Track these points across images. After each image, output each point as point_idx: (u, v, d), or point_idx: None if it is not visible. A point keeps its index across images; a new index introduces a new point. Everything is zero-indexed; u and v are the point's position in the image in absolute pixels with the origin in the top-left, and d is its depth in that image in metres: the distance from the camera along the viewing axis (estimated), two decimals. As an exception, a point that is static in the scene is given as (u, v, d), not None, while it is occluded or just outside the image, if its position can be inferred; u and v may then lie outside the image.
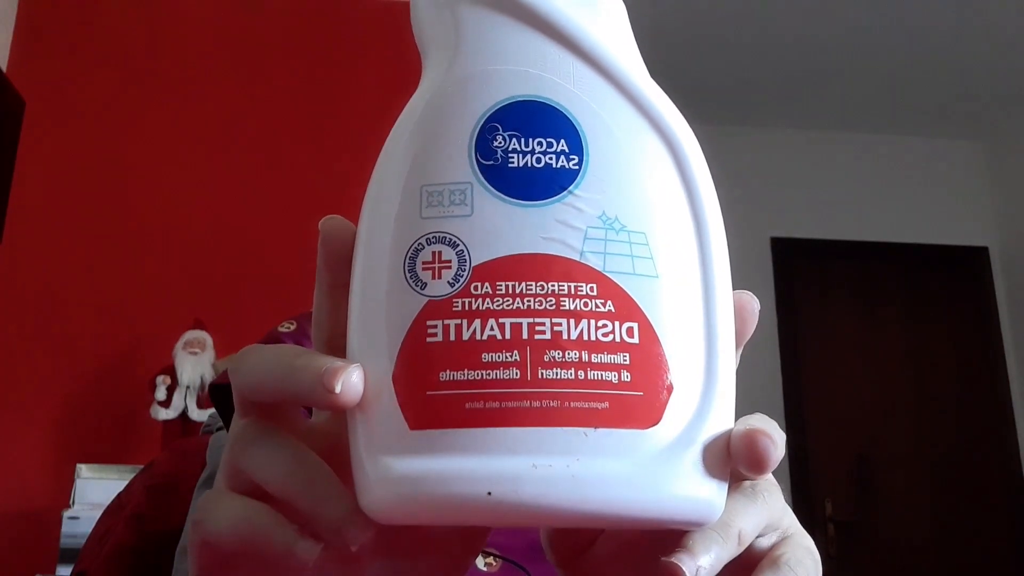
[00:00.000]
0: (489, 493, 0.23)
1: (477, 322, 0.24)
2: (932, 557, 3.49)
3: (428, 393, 0.24)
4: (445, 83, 0.27)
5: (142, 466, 0.96)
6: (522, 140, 0.26)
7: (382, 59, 2.79)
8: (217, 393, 0.70)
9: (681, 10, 3.06)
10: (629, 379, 0.24)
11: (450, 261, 0.25)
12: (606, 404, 0.24)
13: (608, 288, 0.25)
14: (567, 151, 0.26)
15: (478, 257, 0.25)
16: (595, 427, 0.23)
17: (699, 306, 0.26)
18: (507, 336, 0.24)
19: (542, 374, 0.24)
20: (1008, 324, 3.80)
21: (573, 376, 0.24)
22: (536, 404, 0.23)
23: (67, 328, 2.41)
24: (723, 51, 3.35)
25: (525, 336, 0.24)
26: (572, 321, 0.24)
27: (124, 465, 2.13)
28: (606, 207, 0.25)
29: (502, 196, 0.25)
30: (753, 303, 0.28)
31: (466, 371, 0.24)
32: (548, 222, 0.25)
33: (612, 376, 0.24)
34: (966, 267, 3.90)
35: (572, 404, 0.23)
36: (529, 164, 0.25)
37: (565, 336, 0.24)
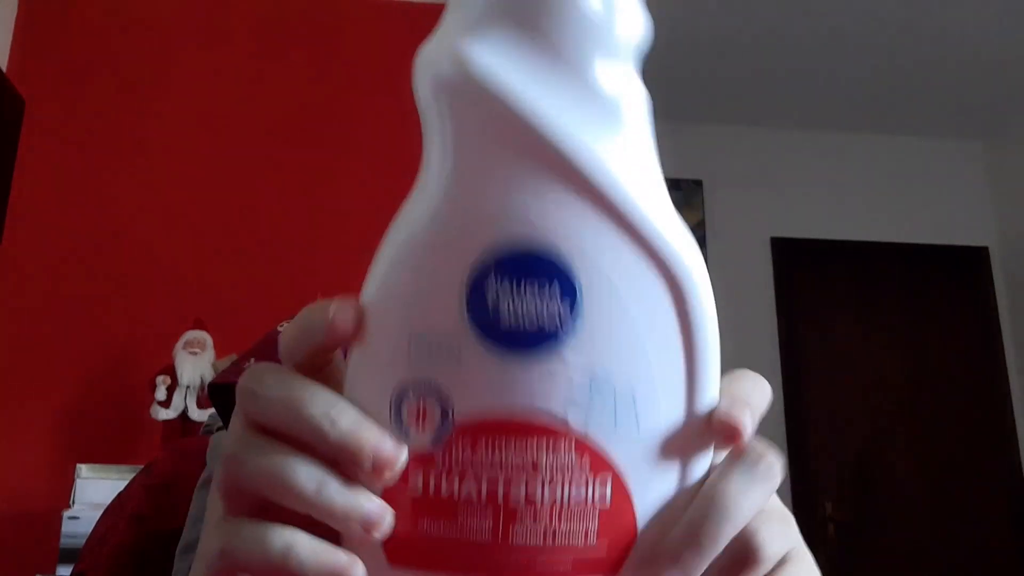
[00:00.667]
0: None
1: (456, 479, 0.25)
2: (932, 557, 3.49)
3: (407, 536, 0.25)
4: (439, 217, 0.25)
5: (142, 466, 0.96)
6: (515, 291, 0.24)
7: (382, 59, 2.79)
8: (217, 393, 0.70)
9: (682, 10, 3.06)
10: (595, 542, 0.25)
11: (435, 413, 0.25)
12: (569, 565, 0.25)
13: (587, 449, 0.25)
14: (561, 304, 0.24)
15: (462, 411, 0.25)
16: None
17: (678, 462, 0.26)
18: (483, 497, 0.25)
19: (512, 538, 0.25)
20: (1008, 324, 3.80)
21: (541, 542, 0.25)
22: (504, 562, 0.25)
23: (67, 328, 2.41)
24: (724, 51, 3.35)
25: (500, 499, 0.25)
26: (547, 485, 0.25)
27: (124, 465, 2.13)
28: (596, 364, 0.25)
29: (491, 349, 0.24)
30: (741, 419, 0.26)
31: (442, 524, 0.25)
32: (535, 378, 0.24)
33: (579, 540, 0.25)
34: (966, 267, 3.90)
35: (537, 566, 0.25)
36: (520, 317, 0.24)
37: (538, 501, 0.25)
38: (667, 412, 0.26)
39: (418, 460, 0.25)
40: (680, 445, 0.26)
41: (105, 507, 0.93)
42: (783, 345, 3.65)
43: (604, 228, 0.25)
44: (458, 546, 0.25)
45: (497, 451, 0.25)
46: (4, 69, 2.52)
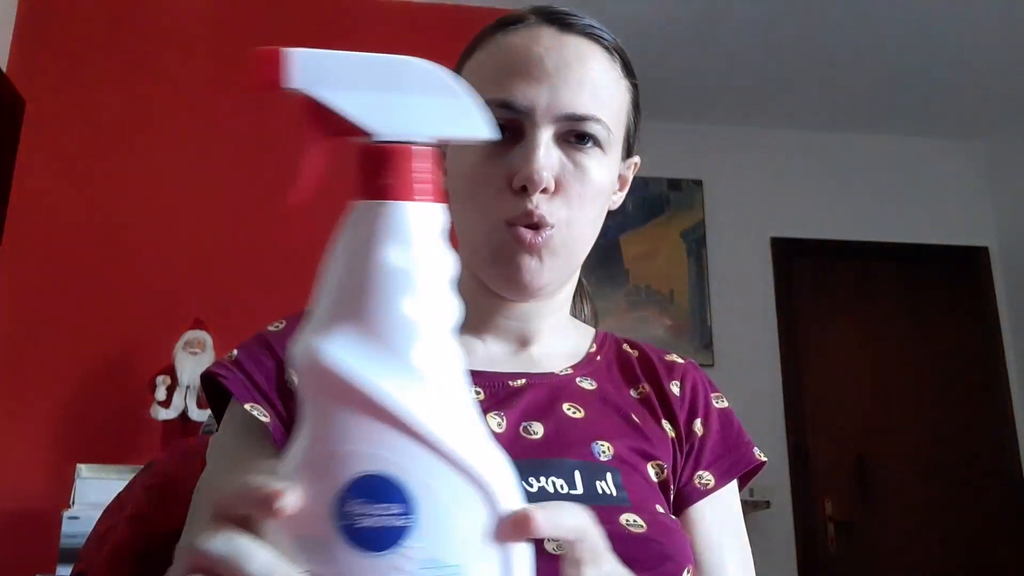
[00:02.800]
0: None
1: None
2: (932, 557, 3.49)
3: None
4: (310, 456, 0.36)
5: (142, 466, 0.96)
6: (368, 506, 0.34)
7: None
8: (209, 383, 0.70)
9: (682, 10, 3.06)
10: None
11: None
12: None
13: None
14: (402, 513, 0.34)
15: None
16: None
17: None
18: None
19: None
20: (1008, 324, 3.80)
21: None
22: None
23: (67, 328, 2.41)
24: (724, 52, 3.35)
25: None
26: None
27: (124, 465, 2.13)
28: (430, 552, 0.34)
29: (356, 548, 0.34)
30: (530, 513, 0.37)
31: None
32: (388, 568, 0.34)
33: None
34: (966, 267, 3.90)
35: None
36: (373, 524, 0.34)
37: None
38: (490, 570, 0.36)
39: None
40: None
41: (105, 507, 0.93)
42: (783, 345, 3.65)
43: (424, 455, 0.35)
44: None
45: None
46: (4, 69, 2.52)
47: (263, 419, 0.64)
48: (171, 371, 2.36)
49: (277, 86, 0.35)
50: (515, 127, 0.67)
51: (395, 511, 0.34)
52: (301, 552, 0.34)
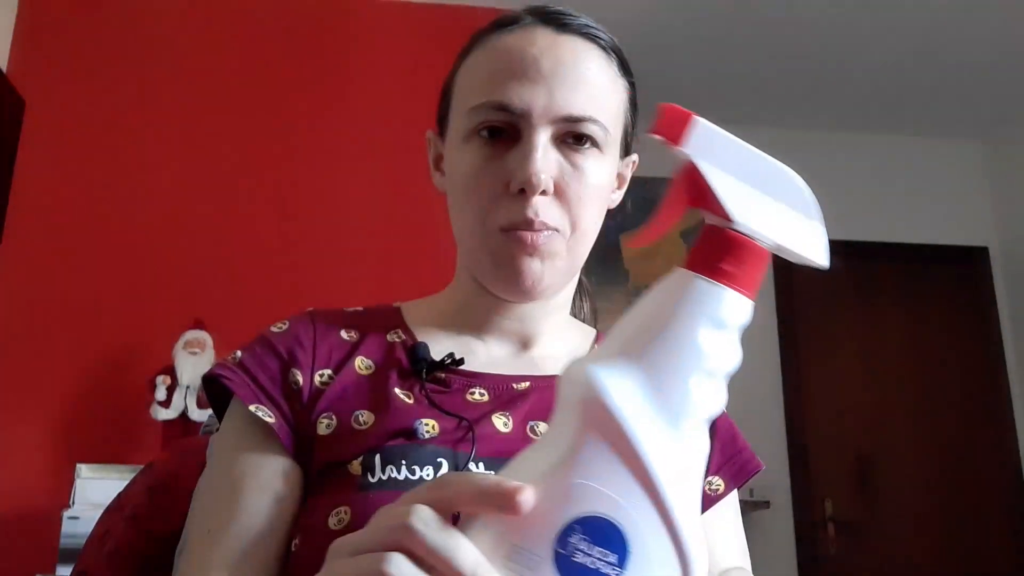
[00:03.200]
0: None
1: None
2: (932, 557, 3.49)
3: None
4: (557, 477, 0.37)
5: (142, 466, 0.96)
6: (589, 545, 0.36)
7: (382, 60, 2.79)
8: (210, 388, 0.70)
9: (682, 10, 3.06)
10: None
11: None
12: None
13: None
14: (615, 564, 0.36)
15: None
16: None
17: None
18: None
19: None
20: (1008, 324, 3.80)
21: None
22: None
23: (67, 328, 2.41)
24: (723, 51, 3.35)
25: None
26: None
27: (124, 465, 2.13)
28: None
29: None
30: None
31: None
32: None
33: None
34: (966, 267, 3.90)
35: None
36: (586, 564, 0.36)
37: None
38: None
39: None
40: None
41: (105, 507, 0.93)
42: (783, 345, 3.65)
43: (656, 521, 0.36)
44: None
45: None
46: (4, 69, 2.52)
47: (268, 420, 0.64)
48: (171, 371, 2.37)
49: (675, 143, 0.38)
50: (512, 129, 0.67)
51: (610, 560, 0.36)
52: (509, 561, 0.36)
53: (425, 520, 0.37)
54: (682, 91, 3.53)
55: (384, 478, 0.60)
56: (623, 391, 0.37)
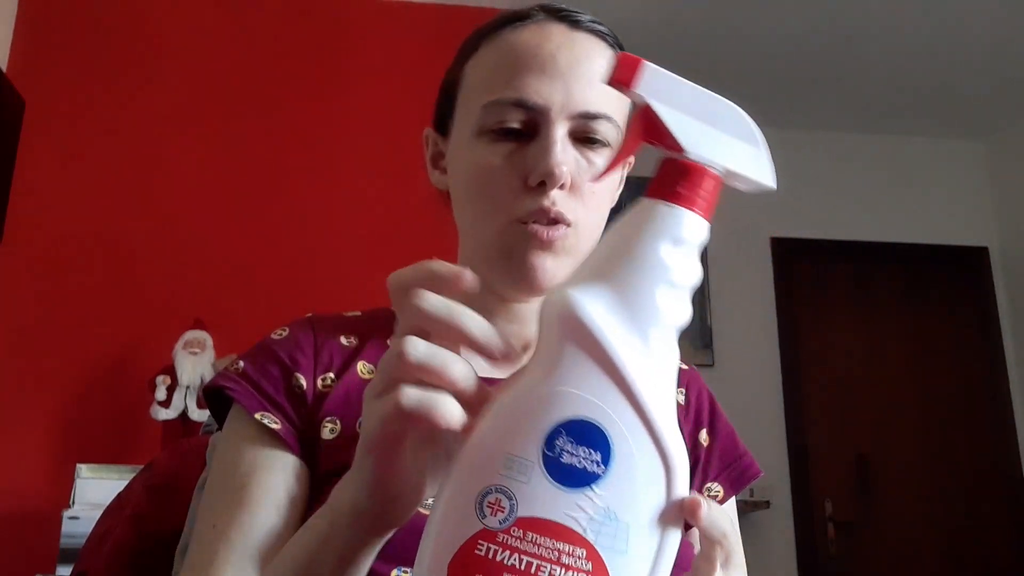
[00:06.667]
0: None
1: (507, 552, 0.38)
2: (932, 557, 3.49)
3: None
4: (541, 388, 0.40)
5: (142, 466, 0.96)
6: (574, 446, 0.39)
7: (382, 60, 2.79)
8: (211, 396, 0.70)
9: (682, 9, 3.06)
10: None
11: (505, 508, 0.39)
12: None
13: (593, 555, 0.39)
14: (599, 461, 0.39)
15: (523, 511, 0.39)
16: None
17: (647, 573, 0.40)
18: (521, 567, 0.38)
19: None
20: (1008, 324, 3.80)
21: None
22: None
23: (67, 328, 2.41)
24: (723, 51, 3.35)
25: (532, 571, 0.38)
26: (562, 570, 0.38)
27: (124, 465, 2.13)
28: (610, 503, 0.39)
29: (550, 478, 0.39)
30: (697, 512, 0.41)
31: None
32: (571, 504, 0.39)
33: None
34: (966, 267, 3.90)
35: None
36: (573, 463, 0.39)
37: (563, 565, 0.38)
38: (648, 542, 0.40)
39: (487, 534, 0.39)
40: (651, 562, 0.40)
41: (105, 507, 0.93)
42: (783, 345, 3.65)
43: (634, 419, 0.40)
44: None
45: (538, 541, 0.38)
46: (4, 69, 2.52)
47: (274, 427, 0.64)
48: (171, 371, 2.37)
49: (628, 87, 0.42)
50: (528, 125, 0.66)
51: (595, 458, 0.39)
52: (504, 469, 0.39)
53: (414, 344, 0.41)
54: (682, 91, 3.53)
55: None
56: (596, 305, 0.40)
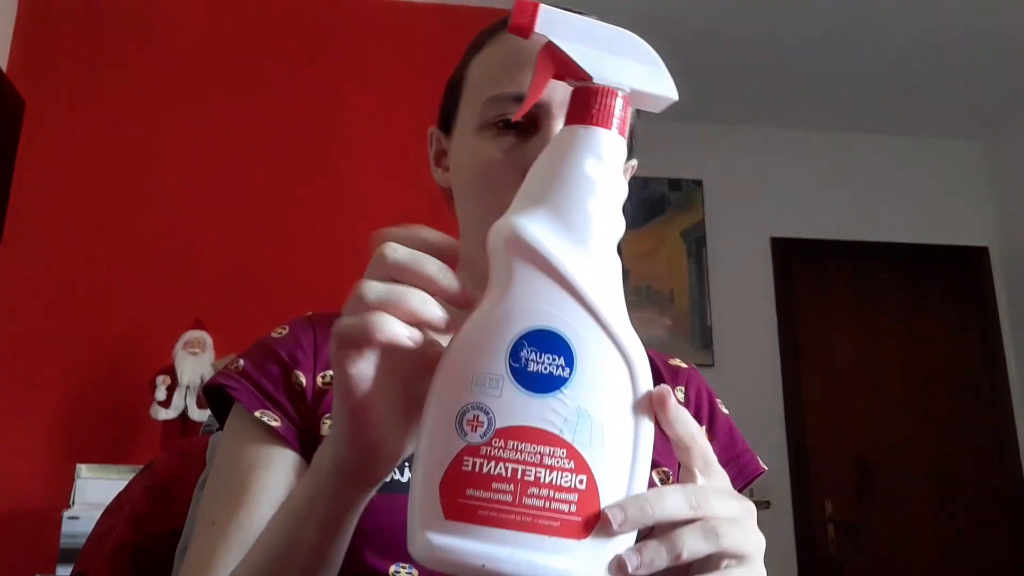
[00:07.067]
0: (483, 565, 0.40)
1: (492, 463, 0.41)
2: (932, 557, 3.49)
3: (458, 499, 0.41)
4: (497, 308, 0.43)
5: (142, 466, 0.96)
6: (538, 354, 0.42)
7: (382, 60, 2.79)
8: (211, 394, 0.70)
9: (682, 9, 3.06)
10: (575, 510, 0.41)
11: (483, 422, 0.41)
12: (559, 523, 0.41)
13: (572, 454, 0.41)
14: (563, 365, 0.42)
15: (500, 423, 0.41)
16: (550, 536, 0.41)
17: (627, 464, 0.43)
18: (508, 475, 0.41)
19: (524, 501, 0.40)
20: (1008, 324, 3.80)
21: (542, 505, 0.40)
22: (518, 518, 0.40)
23: (67, 328, 2.41)
24: (724, 51, 3.35)
25: (519, 477, 0.41)
26: (547, 471, 0.41)
27: (124, 465, 2.13)
28: (580, 402, 0.42)
29: (520, 388, 0.41)
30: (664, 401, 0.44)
31: (482, 491, 0.40)
32: (544, 408, 0.41)
33: (565, 507, 0.41)
34: (966, 267, 3.90)
35: (539, 521, 0.40)
36: (539, 371, 0.41)
37: (542, 480, 0.41)
38: (623, 436, 0.43)
39: (471, 450, 0.41)
40: (630, 453, 0.43)
41: (105, 507, 0.93)
42: (783, 345, 3.65)
43: (590, 322, 0.43)
44: (490, 504, 0.40)
45: (519, 448, 0.41)
46: (4, 69, 2.52)
47: (274, 424, 0.64)
48: (171, 371, 2.37)
49: (527, 31, 0.45)
50: (528, 120, 0.67)
51: (559, 362, 0.42)
52: (476, 388, 0.42)
53: (370, 285, 0.43)
54: (681, 91, 3.50)
55: (387, 480, 0.60)
56: (536, 225, 0.44)
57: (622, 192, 0.45)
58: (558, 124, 0.66)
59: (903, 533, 3.50)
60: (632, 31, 0.46)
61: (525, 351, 0.42)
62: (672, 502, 0.43)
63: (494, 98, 0.68)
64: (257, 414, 0.65)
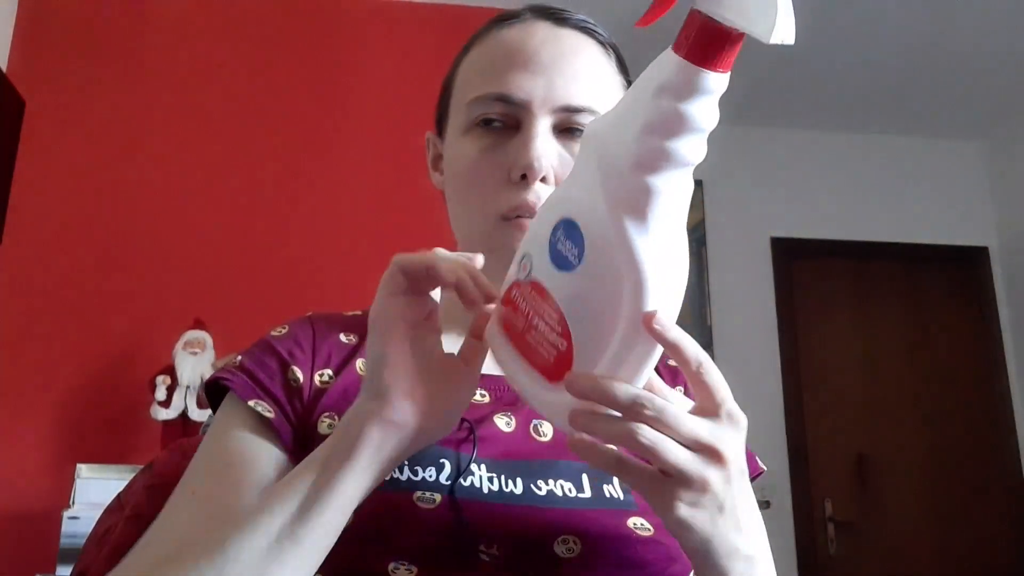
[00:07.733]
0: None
1: (522, 300, 0.54)
2: (932, 557, 3.49)
3: (504, 317, 0.56)
4: (559, 190, 0.54)
5: (142, 466, 0.96)
6: (564, 238, 0.51)
7: (382, 60, 2.79)
8: (211, 393, 0.70)
9: (680, 9, 3.06)
10: (553, 361, 0.51)
11: (527, 268, 0.54)
12: (542, 365, 0.52)
13: (562, 322, 0.51)
14: (576, 255, 0.50)
15: (535, 276, 0.53)
16: (535, 369, 0.53)
17: (604, 350, 0.49)
18: (526, 312, 0.53)
19: (527, 337, 0.53)
20: (1008, 324, 3.80)
21: (536, 345, 0.52)
22: (522, 342, 0.54)
23: (67, 328, 2.41)
24: (723, 51, 3.35)
25: (529, 317, 0.53)
26: (544, 325, 0.52)
27: (124, 465, 2.13)
28: (578, 290, 0.50)
29: (548, 258, 0.52)
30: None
31: (514, 315, 0.54)
32: (556, 280, 0.51)
33: (548, 356, 0.52)
34: (966, 267, 3.90)
35: (541, 348, 0.52)
36: (561, 250, 0.51)
37: (539, 329, 0.52)
38: (605, 325, 0.49)
39: (518, 284, 0.54)
40: (609, 343, 0.49)
41: (105, 507, 0.93)
42: (783, 345, 3.65)
43: (607, 228, 0.48)
44: (515, 327, 0.54)
45: (535, 299, 0.53)
46: (4, 69, 2.53)
47: (267, 415, 0.64)
48: (171, 371, 2.37)
49: None
50: (511, 120, 0.67)
51: (574, 252, 0.50)
52: (534, 242, 0.53)
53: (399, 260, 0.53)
54: (682, 91, 3.53)
55: (386, 479, 0.60)
56: (603, 134, 0.49)
57: (713, 124, 0.47)
58: (540, 123, 0.66)
59: (903, 533, 3.50)
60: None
61: (560, 231, 0.51)
62: (621, 393, 0.47)
63: (477, 99, 0.68)
64: (251, 403, 0.64)
